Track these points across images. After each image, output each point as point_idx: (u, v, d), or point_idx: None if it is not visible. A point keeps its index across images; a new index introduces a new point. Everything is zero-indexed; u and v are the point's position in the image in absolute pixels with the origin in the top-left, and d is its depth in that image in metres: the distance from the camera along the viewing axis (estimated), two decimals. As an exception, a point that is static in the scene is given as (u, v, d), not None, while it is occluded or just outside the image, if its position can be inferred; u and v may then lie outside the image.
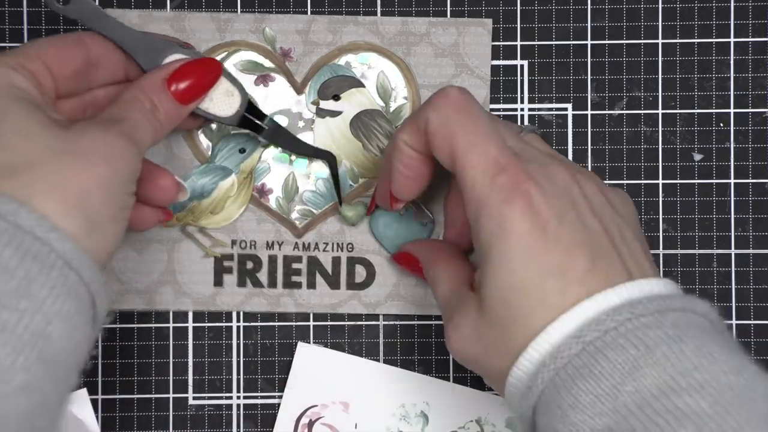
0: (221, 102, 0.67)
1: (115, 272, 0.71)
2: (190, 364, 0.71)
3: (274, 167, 0.71)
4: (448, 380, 0.71)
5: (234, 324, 0.71)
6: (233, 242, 0.71)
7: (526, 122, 0.71)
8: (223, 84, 0.67)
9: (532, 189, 0.57)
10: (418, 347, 0.71)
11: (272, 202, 0.71)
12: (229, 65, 0.71)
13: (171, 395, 0.71)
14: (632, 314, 0.55)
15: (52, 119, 0.57)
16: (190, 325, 0.71)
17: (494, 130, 0.59)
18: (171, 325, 0.71)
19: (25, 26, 0.72)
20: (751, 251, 0.71)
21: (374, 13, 0.71)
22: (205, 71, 0.65)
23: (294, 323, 0.71)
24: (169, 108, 0.63)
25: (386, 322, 0.71)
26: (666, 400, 0.52)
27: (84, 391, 0.70)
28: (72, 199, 0.55)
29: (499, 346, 0.57)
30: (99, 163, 0.56)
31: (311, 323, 0.71)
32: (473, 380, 0.71)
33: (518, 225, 0.56)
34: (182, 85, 0.64)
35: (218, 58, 0.70)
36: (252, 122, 0.68)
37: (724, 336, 0.56)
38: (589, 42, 0.72)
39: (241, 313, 0.71)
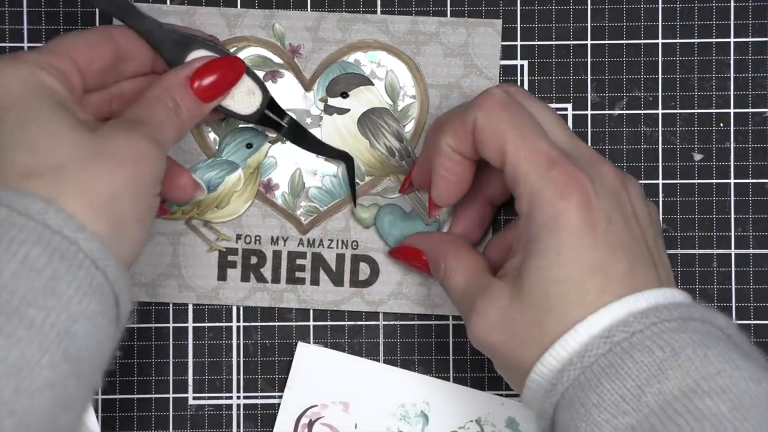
0: (242, 100, 0.66)
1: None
2: (190, 364, 0.71)
3: (281, 163, 0.71)
4: (448, 380, 0.71)
5: (234, 324, 0.71)
6: (238, 237, 0.71)
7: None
8: (245, 82, 0.66)
9: (588, 185, 0.58)
10: (418, 347, 0.71)
11: (278, 197, 0.71)
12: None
13: (171, 395, 0.71)
14: (658, 318, 0.56)
15: (80, 120, 0.57)
16: (190, 325, 0.71)
17: (540, 127, 0.60)
18: (171, 324, 0.71)
19: (25, 26, 0.71)
20: (751, 251, 0.72)
21: (375, 12, 0.71)
22: (228, 70, 0.65)
23: (294, 323, 0.71)
24: (191, 106, 0.63)
25: (386, 322, 0.71)
26: (687, 401, 0.53)
27: (84, 391, 0.70)
28: (99, 202, 0.55)
29: (529, 336, 0.58)
30: (126, 167, 0.56)
31: (311, 323, 0.71)
32: (473, 380, 0.71)
33: (572, 219, 0.57)
34: (205, 84, 0.63)
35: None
36: (272, 120, 0.68)
37: (743, 348, 0.57)
38: (589, 42, 0.72)
39: (242, 314, 0.71)
